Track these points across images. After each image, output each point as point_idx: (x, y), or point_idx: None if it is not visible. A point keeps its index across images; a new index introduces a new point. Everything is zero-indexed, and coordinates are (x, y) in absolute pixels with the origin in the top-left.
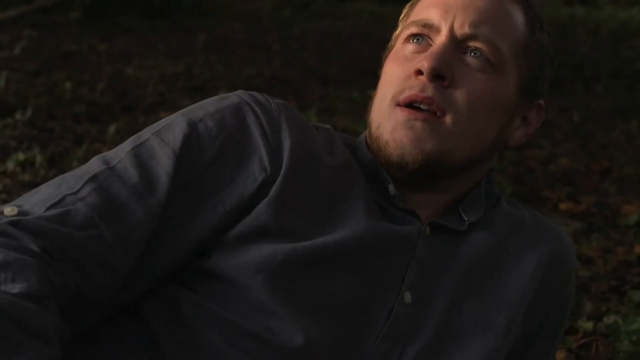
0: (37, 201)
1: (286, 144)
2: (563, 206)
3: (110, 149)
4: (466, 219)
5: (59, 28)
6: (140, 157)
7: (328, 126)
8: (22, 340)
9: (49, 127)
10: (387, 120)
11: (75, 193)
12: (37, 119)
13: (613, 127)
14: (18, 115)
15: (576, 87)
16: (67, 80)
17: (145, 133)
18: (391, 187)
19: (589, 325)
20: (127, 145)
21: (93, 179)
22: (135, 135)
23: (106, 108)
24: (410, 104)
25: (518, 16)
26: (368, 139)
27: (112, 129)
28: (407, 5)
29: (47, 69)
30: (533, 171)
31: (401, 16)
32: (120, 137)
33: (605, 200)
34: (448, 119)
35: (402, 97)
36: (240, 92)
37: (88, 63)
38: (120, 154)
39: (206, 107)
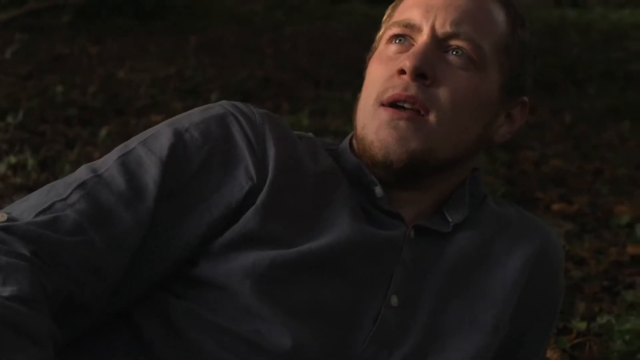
0: (26, 208)
1: (271, 153)
2: (555, 207)
3: (102, 152)
4: (450, 220)
5: (50, 31)
6: (127, 166)
7: (310, 134)
8: (14, 343)
9: (40, 130)
10: (372, 120)
11: (64, 199)
12: (29, 122)
13: (605, 128)
14: (9, 119)
15: (568, 88)
16: (58, 84)
17: (132, 142)
18: (378, 189)
19: (582, 325)
20: (114, 154)
21: (81, 186)
22: (122, 145)
23: (98, 111)
24: (393, 104)
25: (499, 14)
26: (354, 140)
27: (103, 132)
28: (390, 7)
29: (38, 72)
30: (525, 172)
31: (384, 17)
32: (112, 141)
33: (597, 201)
34: (432, 117)
35: (386, 97)
36: (224, 102)
37: (79, 66)
38: (107, 162)
39: (191, 117)
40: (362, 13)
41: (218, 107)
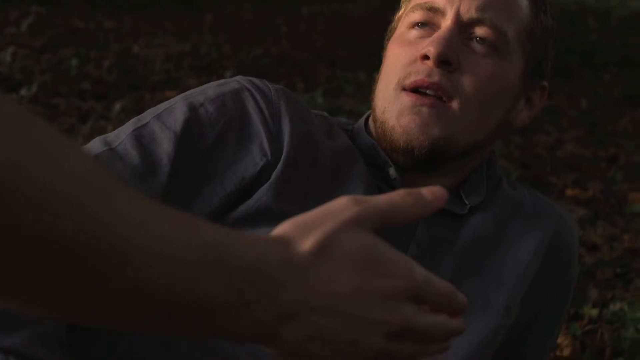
0: None
1: (286, 129)
2: (569, 192)
3: (115, 126)
4: (467, 202)
5: (66, 5)
6: (141, 140)
7: (325, 113)
8: (23, 317)
9: (54, 103)
10: (393, 105)
11: None
12: (43, 95)
13: (621, 115)
14: (23, 91)
15: (584, 74)
16: (73, 57)
17: (146, 116)
18: (392, 171)
19: (594, 312)
20: (128, 127)
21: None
22: (136, 118)
23: (112, 85)
24: (416, 89)
25: (523, 0)
26: (372, 122)
27: (117, 106)
28: None
29: (53, 46)
30: (540, 157)
31: None
32: (126, 115)
33: (611, 188)
34: (454, 104)
35: (408, 82)
36: (239, 77)
37: (95, 40)
38: (121, 135)
39: (206, 92)
40: None
41: (233, 82)
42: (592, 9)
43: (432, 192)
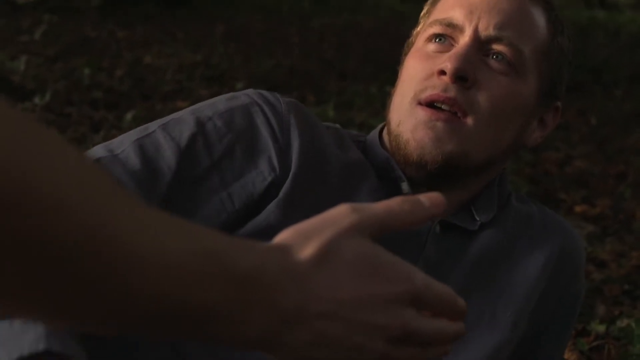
0: None
1: (295, 144)
2: (578, 209)
3: None
4: (478, 219)
5: (79, 14)
6: (144, 148)
7: (337, 125)
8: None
9: (66, 112)
10: (408, 119)
11: None
12: (55, 104)
13: (631, 132)
14: (36, 100)
15: (595, 90)
16: (85, 66)
17: (152, 126)
18: (404, 185)
19: (601, 328)
20: (133, 135)
21: (95, 162)
22: (142, 127)
23: (124, 95)
24: (431, 104)
25: (541, 20)
26: (386, 135)
27: (129, 116)
28: (428, 2)
29: (66, 55)
30: (549, 173)
31: (422, 13)
32: (138, 125)
33: (620, 204)
34: (469, 120)
35: (424, 96)
36: (250, 91)
37: (107, 50)
38: (125, 142)
39: (216, 106)
40: (389, 7)
41: (244, 96)
42: (602, 24)
43: (430, 199)
